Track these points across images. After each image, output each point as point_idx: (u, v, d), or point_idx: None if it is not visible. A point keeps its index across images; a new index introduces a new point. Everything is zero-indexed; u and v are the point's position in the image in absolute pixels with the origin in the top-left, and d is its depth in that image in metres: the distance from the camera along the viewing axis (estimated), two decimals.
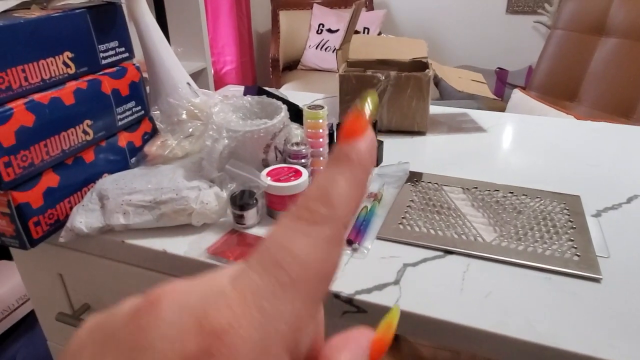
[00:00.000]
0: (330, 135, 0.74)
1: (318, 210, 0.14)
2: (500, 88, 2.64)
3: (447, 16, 2.93)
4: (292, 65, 2.94)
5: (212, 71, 1.88)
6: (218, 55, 2.77)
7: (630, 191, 0.70)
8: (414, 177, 0.74)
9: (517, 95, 1.64)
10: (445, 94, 2.60)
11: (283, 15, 2.88)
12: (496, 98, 1.09)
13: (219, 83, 2.63)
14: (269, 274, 0.13)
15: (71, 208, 0.62)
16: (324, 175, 0.15)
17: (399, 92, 0.89)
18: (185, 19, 1.70)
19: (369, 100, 0.16)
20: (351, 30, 0.94)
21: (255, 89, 0.81)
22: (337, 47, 0.93)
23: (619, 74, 1.43)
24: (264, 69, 3.21)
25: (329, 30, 2.81)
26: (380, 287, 0.52)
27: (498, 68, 2.76)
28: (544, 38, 2.74)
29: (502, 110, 1.56)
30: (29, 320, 1.30)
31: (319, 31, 2.84)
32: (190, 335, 0.12)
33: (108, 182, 0.63)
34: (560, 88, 1.62)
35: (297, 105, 0.84)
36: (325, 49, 2.79)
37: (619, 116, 1.41)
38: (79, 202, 0.63)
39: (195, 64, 1.75)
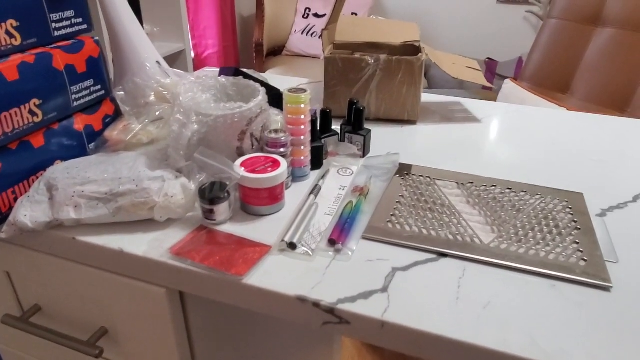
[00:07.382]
0: (313, 123, 0.67)
1: None
2: (490, 79, 2.60)
3: (437, 4, 2.87)
4: (277, 51, 2.85)
5: (193, 54, 1.79)
6: (199, 38, 2.66)
7: (636, 189, 0.65)
8: (404, 170, 0.68)
9: (508, 85, 1.59)
10: (434, 83, 2.54)
11: None
12: (491, 86, 1.04)
13: (200, 67, 2.52)
14: None
15: (16, 199, 0.55)
16: None
17: (389, 78, 0.82)
18: None
19: None
20: (339, 9, 0.86)
21: (232, 70, 0.74)
22: (323, 28, 0.86)
23: (614, 66, 1.38)
24: (247, 54, 3.11)
25: (316, 15, 2.72)
26: (366, 295, 0.45)
27: (487, 59, 2.71)
28: (535, 29, 2.70)
29: (493, 100, 1.51)
30: None
31: (305, 16, 2.74)
32: None
33: (58, 171, 0.55)
34: (553, 79, 1.57)
35: (278, 90, 0.76)
36: (312, 34, 2.70)
37: (612, 109, 1.37)
38: (26, 192, 0.55)
39: (173, 45, 1.65)
